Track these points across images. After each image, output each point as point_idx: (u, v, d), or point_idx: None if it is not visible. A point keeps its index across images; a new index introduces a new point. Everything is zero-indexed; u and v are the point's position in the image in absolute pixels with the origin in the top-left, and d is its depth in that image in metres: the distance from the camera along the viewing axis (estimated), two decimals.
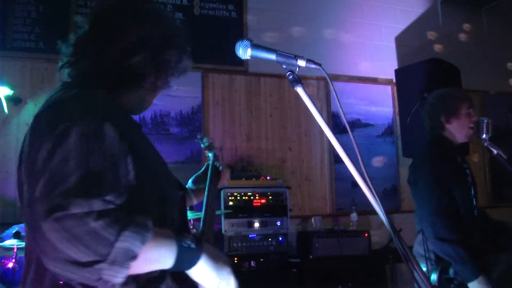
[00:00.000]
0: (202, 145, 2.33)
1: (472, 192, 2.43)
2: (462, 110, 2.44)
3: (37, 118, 1.07)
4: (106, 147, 1.00)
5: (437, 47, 5.18)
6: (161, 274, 1.06)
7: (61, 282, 1.01)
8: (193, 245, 1.03)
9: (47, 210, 0.90)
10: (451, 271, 2.20)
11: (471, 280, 2.13)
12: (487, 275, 2.20)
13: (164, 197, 1.16)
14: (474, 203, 2.42)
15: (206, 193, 1.73)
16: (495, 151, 2.35)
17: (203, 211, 1.61)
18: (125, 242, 0.91)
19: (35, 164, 0.97)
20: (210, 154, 2.23)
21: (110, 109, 1.10)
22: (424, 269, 2.28)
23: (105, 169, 0.98)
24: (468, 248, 2.17)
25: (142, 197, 1.07)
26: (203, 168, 1.98)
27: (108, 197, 0.95)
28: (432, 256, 2.27)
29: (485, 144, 2.40)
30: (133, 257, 0.92)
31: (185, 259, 1.02)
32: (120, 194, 0.98)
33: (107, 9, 1.24)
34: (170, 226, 1.14)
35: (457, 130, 2.44)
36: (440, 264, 2.21)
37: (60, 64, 1.24)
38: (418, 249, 2.36)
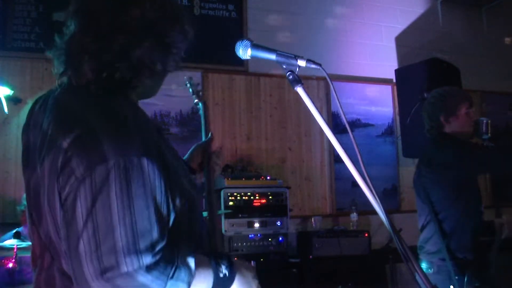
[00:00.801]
0: (190, 90, 1.96)
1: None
2: (461, 110, 2.44)
3: (63, 150, 0.95)
4: (149, 189, 0.95)
5: (437, 47, 5.17)
6: None
7: None
8: (227, 273, 1.07)
9: (98, 270, 0.88)
10: (473, 278, 2.19)
11: None
12: (486, 272, 2.22)
13: (192, 205, 1.15)
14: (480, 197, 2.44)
15: (205, 172, 1.69)
16: None
17: (205, 194, 1.57)
18: None
19: (75, 213, 0.92)
20: (200, 105, 1.92)
21: (139, 124, 1.02)
22: (424, 269, 2.28)
23: (151, 216, 0.94)
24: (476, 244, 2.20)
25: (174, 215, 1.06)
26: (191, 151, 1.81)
27: (157, 248, 0.94)
28: (445, 251, 2.26)
29: (485, 144, 2.40)
30: None
31: (222, 285, 1.07)
32: (165, 238, 0.96)
33: None
34: (197, 229, 1.17)
35: (456, 130, 2.44)
36: (464, 270, 2.21)
37: (56, 71, 1.11)
38: (429, 245, 2.36)
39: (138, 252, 0.90)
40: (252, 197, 3.78)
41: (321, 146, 4.77)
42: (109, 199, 0.91)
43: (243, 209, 3.74)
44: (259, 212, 3.78)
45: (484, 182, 5.30)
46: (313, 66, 1.20)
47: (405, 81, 4.54)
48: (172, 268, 0.95)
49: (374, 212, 1.12)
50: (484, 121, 2.40)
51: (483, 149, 2.40)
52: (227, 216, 3.66)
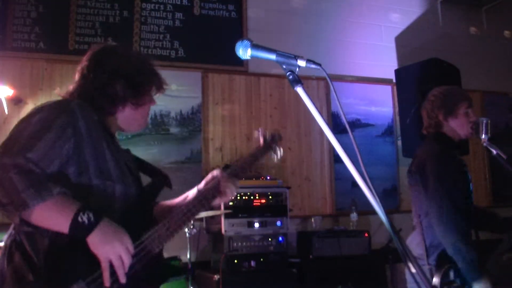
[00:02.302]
0: None
1: (471, 188, 2.43)
2: (460, 109, 2.44)
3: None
4: (53, 129, 1.32)
5: (437, 47, 5.17)
6: (76, 243, 1.28)
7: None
8: (86, 221, 1.27)
9: None
10: (451, 274, 2.19)
11: (476, 281, 2.13)
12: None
13: (112, 193, 1.42)
14: (472, 200, 2.42)
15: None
16: (494, 151, 2.34)
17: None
18: (25, 195, 1.21)
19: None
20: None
21: (81, 111, 1.41)
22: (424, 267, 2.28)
23: (41, 140, 1.29)
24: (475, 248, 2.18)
25: (87, 189, 1.37)
26: None
27: (29, 155, 1.25)
28: (434, 255, 2.26)
29: (484, 144, 2.39)
30: (25, 207, 1.21)
31: (78, 229, 1.26)
32: (45, 161, 1.28)
33: (90, 57, 1.59)
34: (117, 220, 1.36)
35: (455, 129, 2.44)
36: (441, 267, 2.20)
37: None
38: (413, 246, 2.35)
39: (16, 153, 1.24)
40: (252, 197, 3.78)
41: (321, 146, 4.77)
42: (27, 126, 1.32)
43: (243, 209, 3.73)
44: (259, 212, 3.77)
45: (484, 182, 5.31)
46: (313, 66, 1.20)
47: (405, 81, 4.53)
48: (37, 182, 1.24)
49: (374, 212, 1.13)
50: (484, 121, 2.39)
51: (452, 181, 2.27)
52: (227, 216, 3.66)
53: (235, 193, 1.70)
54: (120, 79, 1.54)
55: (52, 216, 1.26)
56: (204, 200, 1.60)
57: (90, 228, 1.27)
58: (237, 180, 1.72)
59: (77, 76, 1.57)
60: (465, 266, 2.16)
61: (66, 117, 1.36)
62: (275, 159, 1.92)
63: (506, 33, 5.52)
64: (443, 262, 2.24)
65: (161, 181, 1.62)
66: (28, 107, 3.87)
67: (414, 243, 2.37)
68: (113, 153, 1.47)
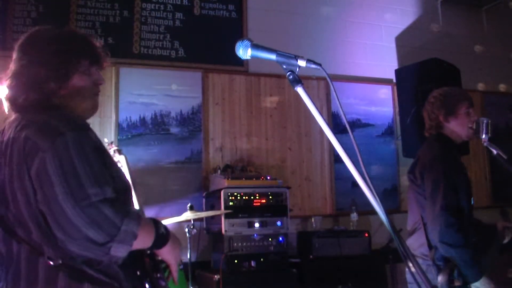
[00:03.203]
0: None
1: (471, 190, 2.43)
2: (461, 109, 2.44)
3: (26, 138, 1.26)
4: (95, 149, 1.30)
5: (437, 47, 5.17)
6: (141, 250, 1.39)
7: (51, 263, 1.25)
8: (164, 232, 1.40)
9: (74, 203, 1.17)
10: (455, 273, 2.19)
11: (473, 281, 2.14)
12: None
13: (126, 187, 1.45)
14: (472, 202, 2.42)
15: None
16: (494, 151, 2.34)
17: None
18: (128, 226, 1.22)
19: (47, 175, 1.20)
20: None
21: (80, 121, 1.37)
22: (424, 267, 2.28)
23: (101, 166, 1.28)
24: (471, 249, 2.17)
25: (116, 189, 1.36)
26: None
27: (112, 185, 1.26)
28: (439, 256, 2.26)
29: (485, 144, 2.39)
30: (135, 237, 1.24)
31: (159, 242, 1.38)
32: (111, 183, 1.28)
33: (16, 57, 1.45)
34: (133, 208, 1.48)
35: (456, 129, 2.44)
36: (446, 266, 2.20)
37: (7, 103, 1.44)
38: (417, 253, 2.35)
39: (101, 186, 1.22)
40: (252, 197, 3.78)
41: (321, 146, 4.77)
42: (71, 158, 1.23)
43: (243, 209, 3.73)
44: (259, 212, 3.77)
45: (484, 182, 5.30)
46: (313, 66, 1.21)
47: (405, 81, 4.54)
48: (127, 209, 1.27)
49: (374, 212, 1.13)
50: (484, 121, 2.39)
51: (457, 176, 2.30)
52: (227, 216, 3.65)
53: None
54: (43, 68, 1.39)
55: (144, 236, 1.32)
56: None
57: (167, 238, 1.40)
58: None
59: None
60: (459, 268, 2.16)
61: (87, 137, 1.31)
62: None
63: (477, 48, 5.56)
64: (448, 260, 2.24)
65: None
66: None
67: (417, 244, 2.37)
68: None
